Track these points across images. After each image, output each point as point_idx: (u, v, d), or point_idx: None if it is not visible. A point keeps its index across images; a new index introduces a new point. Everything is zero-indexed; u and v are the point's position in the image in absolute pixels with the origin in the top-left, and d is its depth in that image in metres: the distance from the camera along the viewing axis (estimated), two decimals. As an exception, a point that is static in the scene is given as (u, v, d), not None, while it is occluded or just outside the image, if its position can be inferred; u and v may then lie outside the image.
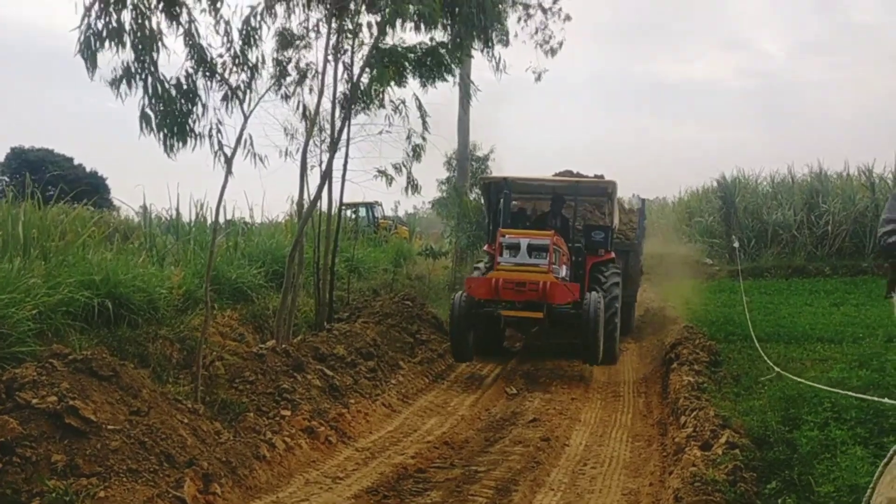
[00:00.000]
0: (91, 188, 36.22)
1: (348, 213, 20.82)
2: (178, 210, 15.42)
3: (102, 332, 8.22)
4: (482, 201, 16.60)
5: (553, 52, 25.43)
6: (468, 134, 24.74)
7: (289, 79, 10.17)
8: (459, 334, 11.80)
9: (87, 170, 39.86)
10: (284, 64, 9.61)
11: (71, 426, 5.88)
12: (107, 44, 6.13)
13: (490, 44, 13.55)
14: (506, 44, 24.23)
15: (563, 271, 12.47)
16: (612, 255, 13.99)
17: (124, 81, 6.41)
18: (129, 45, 6.23)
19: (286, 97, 10.39)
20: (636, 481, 7.22)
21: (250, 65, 7.45)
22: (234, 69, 7.36)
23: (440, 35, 12.43)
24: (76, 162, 39.76)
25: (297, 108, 10.43)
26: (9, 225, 9.41)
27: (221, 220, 16.74)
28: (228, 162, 7.58)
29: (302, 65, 10.80)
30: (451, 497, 6.56)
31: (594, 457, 8.03)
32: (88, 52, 6.09)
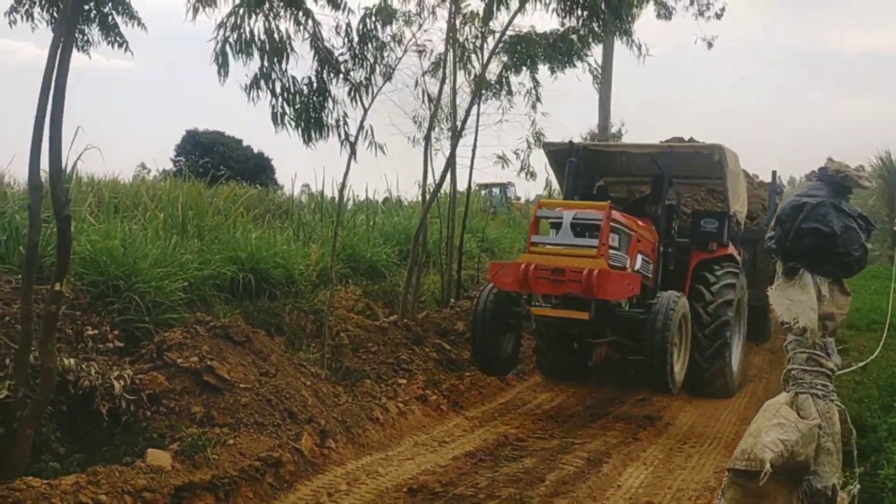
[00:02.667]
0: (258, 168, 38.72)
1: (482, 192, 21.35)
2: (322, 191, 16.51)
3: (245, 303, 9.20)
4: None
5: (718, 15, 25.08)
6: (609, 111, 24.64)
7: (414, 68, 10.77)
8: (483, 339, 8.76)
9: (255, 151, 42.34)
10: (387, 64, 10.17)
11: (209, 383, 6.80)
12: (238, 55, 6.97)
13: (626, 30, 13.50)
14: (668, 17, 24.06)
15: (638, 263, 9.03)
16: (730, 249, 10.38)
17: (255, 87, 7.26)
18: (255, 55, 7.06)
19: (415, 84, 10.98)
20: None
21: (368, 63, 8.16)
22: (354, 67, 8.08)
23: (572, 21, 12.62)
24: (244, 144, 42.31)
25: (421, 96, 11.00)
26: (169, 206, 10.63)
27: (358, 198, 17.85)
28: (352, 149, 8.38)
29: (426, 54, 11.35)
30: (543, 464, 7.02)
31: (696, 436, 8.24)
32: (222, 61, 6.95)
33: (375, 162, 9.82)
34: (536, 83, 12.73)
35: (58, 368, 5.55)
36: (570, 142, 10.71)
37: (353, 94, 8.12)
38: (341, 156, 8.60)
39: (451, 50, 11.53)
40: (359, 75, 8.21)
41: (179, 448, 5.86)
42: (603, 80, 23.35)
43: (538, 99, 12.84)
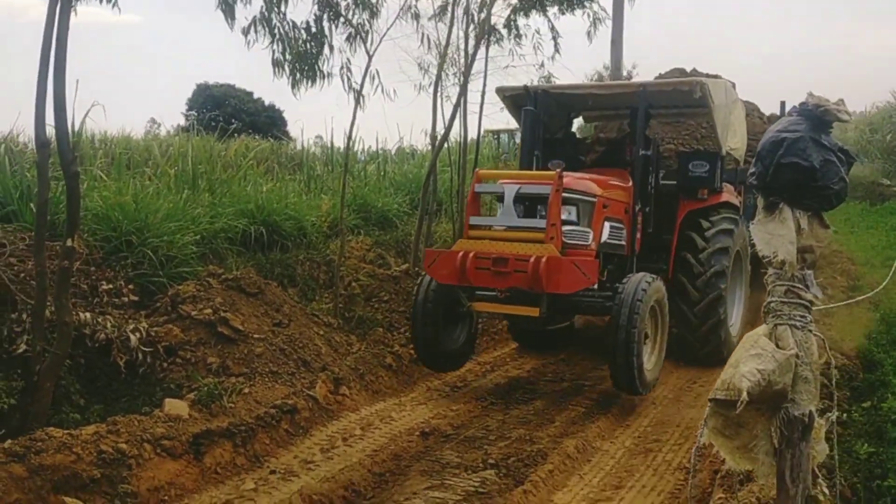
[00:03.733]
0: (269, 121, 38.69)
1: (491, 138, 21.26)
2: (332, 141, 16.49)
3: (257, 255, 9.28)
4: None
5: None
6: (621, 51, 24.30)
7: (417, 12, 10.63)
8: (425, 334, 7.49)
9: (266, 103, 42.25)
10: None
11: (223, 334, 6.94)
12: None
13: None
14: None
15: (605, 233, 7.65)
16: (726, 195, 9.09)
17: (254, 30, 7.21)
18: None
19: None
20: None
21: (370, 4, 8.06)
22: (356, 9, 7.98)
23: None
24: (255, 96, 42.19)
25: (423, 41, 10.86)
26: (180, 160, 10.69)
27: (370, 149, 17.83)
28: (357, 97, 8.37)
29: None
30: (552, 405, 7.15)
31: (707, 374, 8.32)
32: (226, 7, 6.92)
33: (385, 111, 9.79)
34: (552, 27, 12.49)
35: (74, 323, 5.68)
36: (525, 87, 9.16)
37: (352, 38, 8.04)
38: (344, 103, 8.61)
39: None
40: (360, 18, 8.11)
41: (196, 397, 6.00)
42: (615, 19, 22.96)
43: (556, 45, 12.66)
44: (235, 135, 18.52)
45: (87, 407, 5.74)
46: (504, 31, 12.75)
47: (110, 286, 6.86)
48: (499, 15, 12.32)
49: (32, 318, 5.55)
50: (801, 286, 1.96)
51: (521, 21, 12.41)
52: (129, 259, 7.34)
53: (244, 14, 7.29)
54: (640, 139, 8.30)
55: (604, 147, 9.96)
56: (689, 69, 13.62)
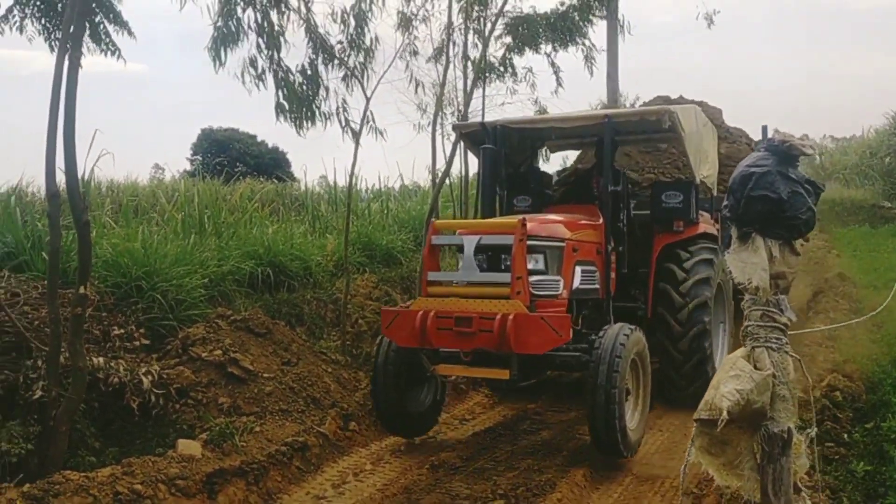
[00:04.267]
0: (274, 162, 39.00)
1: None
2: (335, 181, 16.68)
3: (264, 296, 9.42)
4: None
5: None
6: (617, 84, 24.64)
7: (414, 55, 10.89)
8: (387, 399, 6.90)
9: (269, 146, 42.68)
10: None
11: (233, 374, 7.07)
12: (235, 42, 7.16)
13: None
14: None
15: (577, 279, 7.02)
16: (703, 226, 8.60)
17: (256, 76, 7.44)
18: (253, 41, 7.24)
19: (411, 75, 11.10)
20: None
21: (364, 47, 8.30)
22: (351, 52, 8.21)
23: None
24: (259, 139, 42.63)
25: (415, 85, 11.07)
26: (186, 205, 10.89)
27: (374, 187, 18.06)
28: (356, 137, 8.57)
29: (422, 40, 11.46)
30: (560, 435, 7.24)
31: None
32: (215, 52, 7.15)
33: (385, 150, 9.98)
34: (552, 62, 12.69)
35: (87, 367, 5.82)
36: (482, 123, 8.50)
37: (348, 78, 8.26)
38: (345, 143, 8.81)
39: (452, 35, 11.64)
40: (355, 61, 8.34)
41: (209, 437, 6.12)
42: (609, 53, 23.28)
43: (558, 80, 12.86)
44: (241, 178, 18.80)
45: (102, 450, 5.86)
46: (501, 69, 13.02)
47: (122, 331, 7.00)
48: (493, 55, 12.57)
49: (47, 364, 5.69)
50: (775, 310, 2.09)
51: (517, 59, 12.70)
52: (139, 304, 7.49)
53: (239, 56, 7.53)
54: (607, 172, 7.66)
55: (571, 181, 9.47)
56: (678, 96, 13.59)
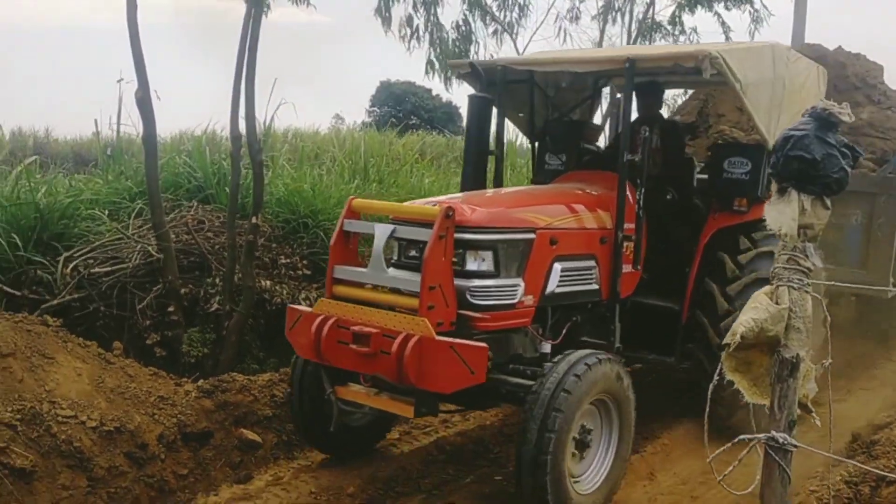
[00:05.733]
0: (446, 117, 40.07)
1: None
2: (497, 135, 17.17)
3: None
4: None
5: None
6: (804, 28, 23.38)
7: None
8: (302, 408, 5.38)
9: (444, 100, 43.73)
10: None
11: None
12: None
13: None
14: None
15: (553, 281, 5.32)
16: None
17: (412, 33, 8.00)
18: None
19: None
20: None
21: (518, 2, 8.64)
22: (505, 8, 8.57)
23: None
24: (434, 93, 43.75)
25: (559, 37, 11.11)
26: (353, 153, 11.81)
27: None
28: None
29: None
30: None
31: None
32: (385, 14, 7.77)
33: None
34: (722, 21, 12.45)
35: (256, 288, 6.74)
36: (470, 63, 6.83)
37: (498, 34, 8.63)
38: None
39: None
40: (510, 17, 8.67)
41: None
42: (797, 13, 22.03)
43: (727, 39, 12.67)
44: (413, 130, 19.75)
45: (264, 359, 6.80)
46: (668, 27, 12.97)
47: (288, 260, 7.90)
48: (662, 14, 12.54)
49: (223, 282, 6.65)
50: (801, 255, 2.41)
51: (686, 17, 12.58)
52: (304, 238, 8.37)
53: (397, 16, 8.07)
54: (624, 137, 5.83)
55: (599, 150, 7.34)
56: (836, 47, 10.62)
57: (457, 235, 4.65)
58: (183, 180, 8.52)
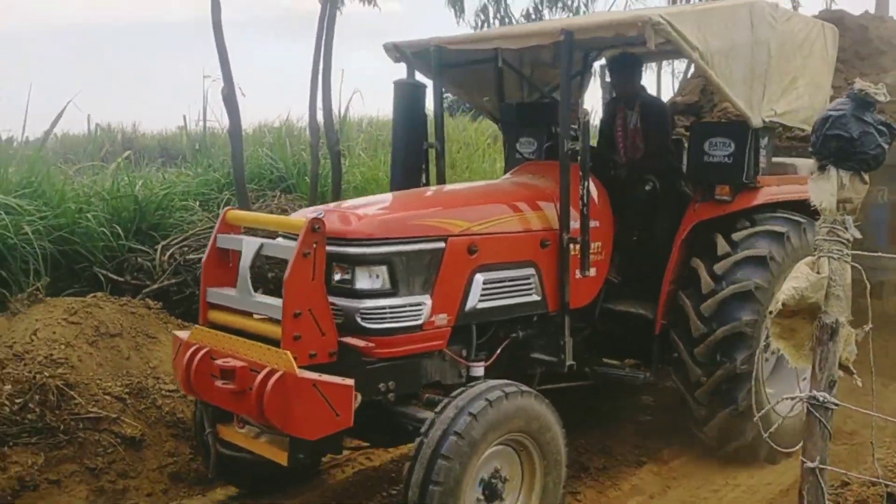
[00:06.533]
0: (518, 100, 40.21)
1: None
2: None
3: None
4: None
5: None
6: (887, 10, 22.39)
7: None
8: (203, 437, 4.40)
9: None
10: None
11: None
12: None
13: None
14: None
15: (474, 297, 4.43)
16: (765, 193, 5.31)
17: (483, 21, 8.27)
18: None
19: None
20: None
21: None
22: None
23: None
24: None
25: None
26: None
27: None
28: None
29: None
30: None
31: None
32: (458, 4, 8.04)
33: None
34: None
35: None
36: (394, 43, 5.73)
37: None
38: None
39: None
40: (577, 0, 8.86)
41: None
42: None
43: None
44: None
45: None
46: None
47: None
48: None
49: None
50: (840, 227, 2.60)
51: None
52: (380, 223, 8.76)
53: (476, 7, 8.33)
54: (564, 122, 4.80)
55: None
56: (863, 12, 9.29)
57: (342, 249, 3.98)
58: (266, 171, 9.00)
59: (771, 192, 5.33)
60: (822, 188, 2.64)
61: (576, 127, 4.73)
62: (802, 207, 5.00)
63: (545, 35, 4.96)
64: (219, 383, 3.74)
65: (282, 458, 3.87)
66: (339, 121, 10.06)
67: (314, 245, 3.71)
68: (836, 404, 2.58)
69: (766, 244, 5.03)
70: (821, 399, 2.57)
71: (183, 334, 4.25)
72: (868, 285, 2.63)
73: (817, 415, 2.59)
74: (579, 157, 4.71)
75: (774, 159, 5.71)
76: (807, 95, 5.59)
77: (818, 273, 2.60)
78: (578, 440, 5.10)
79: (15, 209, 6.06)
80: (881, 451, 4.76)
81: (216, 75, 6.80)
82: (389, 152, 11.47)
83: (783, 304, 2.57)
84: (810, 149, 2.73)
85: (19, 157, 7.72)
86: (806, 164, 5.72)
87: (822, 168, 2.67)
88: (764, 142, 5.26)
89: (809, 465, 2.59)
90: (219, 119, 11.03)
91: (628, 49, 5.79)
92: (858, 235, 2.65)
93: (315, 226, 3.71)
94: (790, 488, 4.65)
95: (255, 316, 4.01)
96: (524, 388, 3.96)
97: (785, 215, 5.25)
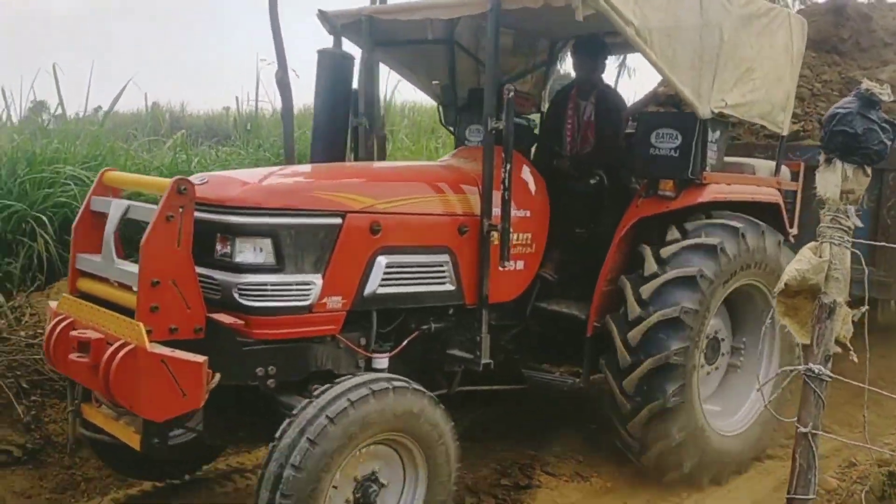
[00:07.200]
0: (559, 85, 40.16)
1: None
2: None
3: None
4: None
5: None
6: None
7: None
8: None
9: (561, 72, 43.55)
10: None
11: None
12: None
13: None
14: None
15: (374, 281, 4.03)
16: (713, 190, 4.91)
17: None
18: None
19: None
20: None
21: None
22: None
23: None
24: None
25: None
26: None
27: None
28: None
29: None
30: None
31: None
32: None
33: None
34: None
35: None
36: (321, 11, 5.39)
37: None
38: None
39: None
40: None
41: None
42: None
43: None
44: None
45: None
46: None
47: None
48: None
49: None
50: (843, 216, 2.84)
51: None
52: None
53: None
54: (488, 98, 4.30)
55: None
56: None
57: (224, 218, 3.64)
58: (314, 152, 9.37)
59: (718, 190, 4.93)
60: (828, 179, 2.89)
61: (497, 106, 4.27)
62: (751, 209, 5.00)
63: (474, 5, 4.54)
64: (73, 356, 3.38)
65: (135, 441, 3.52)
66: (385, 105, 10.38)
67: (180, 209, 3.37)
68: (830, 376, 2.84)
69: (698, 259, 4.59)
70: (816, 371, 2.83)
71: (55, 304, 3.93)
72: (866, 271, 2.89)
73: (812, 385, 2.85)
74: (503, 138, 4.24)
75: (735, 159, 5.50)
76: (764, 88, 5.19)
77: (820, 257, 2.85)
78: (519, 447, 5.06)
79: (83, 181, 6.46)
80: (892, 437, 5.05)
81: (271, 58, 7.14)
82: (432, 138, 11.93)
83: (786, 285, 2.83)
84: (820, 143, 2.98)
85: (83, 132, 8.16)
86: (766, 165, 5.61)
87: (828, 161, 2.92)
88: (715, 136, 4.87)
89: (803, 430, 2.86)
90: (272, 100, 11.40)
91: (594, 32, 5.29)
92: (859, 224, 2.90)
93: (181, 187, 3.36)
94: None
95: (115, 283, 3.68)
96: (399, 383, 3.54)
97: (722, 221, 4.83)
